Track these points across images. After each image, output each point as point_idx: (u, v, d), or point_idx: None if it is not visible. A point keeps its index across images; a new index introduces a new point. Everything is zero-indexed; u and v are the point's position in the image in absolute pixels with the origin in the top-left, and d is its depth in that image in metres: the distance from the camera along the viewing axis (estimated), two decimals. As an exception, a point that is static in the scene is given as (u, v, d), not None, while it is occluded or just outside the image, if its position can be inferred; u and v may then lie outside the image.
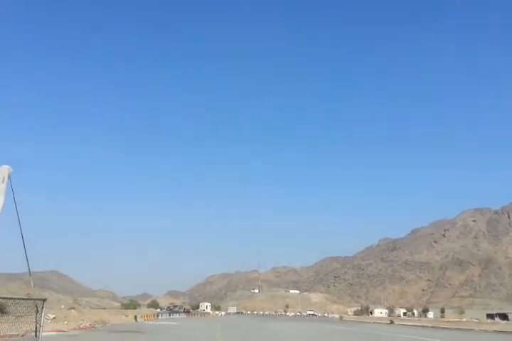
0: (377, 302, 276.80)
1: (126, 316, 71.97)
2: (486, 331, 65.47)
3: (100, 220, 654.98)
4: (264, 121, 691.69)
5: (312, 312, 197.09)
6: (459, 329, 73.81)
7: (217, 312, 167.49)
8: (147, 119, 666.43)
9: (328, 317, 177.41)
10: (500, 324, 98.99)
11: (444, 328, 76.55)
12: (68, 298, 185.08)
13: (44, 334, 15.94)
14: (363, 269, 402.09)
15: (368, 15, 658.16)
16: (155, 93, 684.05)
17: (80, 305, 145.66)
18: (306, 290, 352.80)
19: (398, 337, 45.23)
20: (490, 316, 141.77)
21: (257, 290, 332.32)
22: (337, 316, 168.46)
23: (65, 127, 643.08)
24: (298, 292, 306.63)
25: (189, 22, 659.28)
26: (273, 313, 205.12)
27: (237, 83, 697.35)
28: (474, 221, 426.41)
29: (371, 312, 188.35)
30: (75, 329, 41.34)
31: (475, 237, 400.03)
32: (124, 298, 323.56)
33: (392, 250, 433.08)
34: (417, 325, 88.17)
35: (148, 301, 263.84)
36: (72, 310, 75.52)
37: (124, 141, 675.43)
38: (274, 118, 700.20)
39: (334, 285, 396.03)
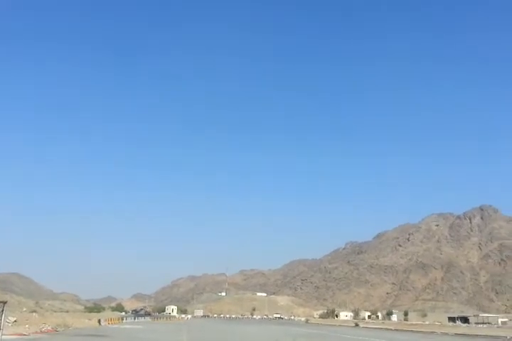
0: (343, 305, 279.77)
1: (90, 320, 70.82)
2: (447, 334, 67.12)
3: (64, 222, 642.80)
4: (228, 131, 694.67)
5: (279, 315, 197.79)
6: (421, 332, 75.38)
7: (183, 316, 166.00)
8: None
9: (294, 320, 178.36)
10: (461, 327, 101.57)
11: (406, 331, 78.04)
12: (30, 301, 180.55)
13: (4, 337, 15.65)
14: (330, 272, 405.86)
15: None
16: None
17: (42, 308, 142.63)
18: (274, 293, 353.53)
19: (361, 340, 45.95)
20: (451, 319, 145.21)
21: (224, 293, 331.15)
22: (303, 319, 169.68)
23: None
24: (265, 295, 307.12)
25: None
26: (240, 316, 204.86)
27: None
28: (437, 225, 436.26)
29: (337, 315, 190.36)
30: (36, 332, 40.52)
31: (438, 241, 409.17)
32: (87, 301, 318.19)
33: (358, 253, 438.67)
34: (381, 328, 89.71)
35: (113, 304, 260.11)
36: (34, 314, 73.96)
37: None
38: (241, 128, 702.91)
39: (301, 288, 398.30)
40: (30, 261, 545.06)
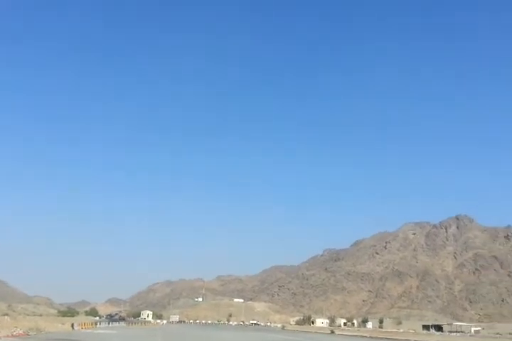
0: (320, 312, 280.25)
1: (63, 324, 69.70)
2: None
3: (38, 223, 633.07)
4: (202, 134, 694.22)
5: (255, 322, 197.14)
6: (395, 339, 76.01)
7: (158, 321, 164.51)
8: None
9: (270, 326, 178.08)
10: (434, 335, 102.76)
11: (381, 338, 78.63)
12: (2, 304, 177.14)
13: (-26, 341, 15.46)
14: (307, 279, 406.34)
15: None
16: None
17: (14, 311, 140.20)
18: (251, 299, 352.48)
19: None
20: (425, 327, 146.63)
21: (200, 299, 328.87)
22: (279, 325, 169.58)
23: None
24: (242, 301, 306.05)
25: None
26: (216, 322, 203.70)
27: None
28: (414, 234, 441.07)
29: (313, 322, 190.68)
30: (7, 336, 39.82)
31: (414, 250, 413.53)
32: (61, 304, 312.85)
33: (335, 260, 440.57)
34: (356, 335, 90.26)
35: (87, 309, 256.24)
36: (6, 317, 72.65)
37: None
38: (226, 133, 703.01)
39: (278, 295, 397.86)
40: (4, 264, 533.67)
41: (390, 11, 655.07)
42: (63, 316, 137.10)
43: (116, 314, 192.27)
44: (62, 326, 65.63)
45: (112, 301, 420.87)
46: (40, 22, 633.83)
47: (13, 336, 41.28)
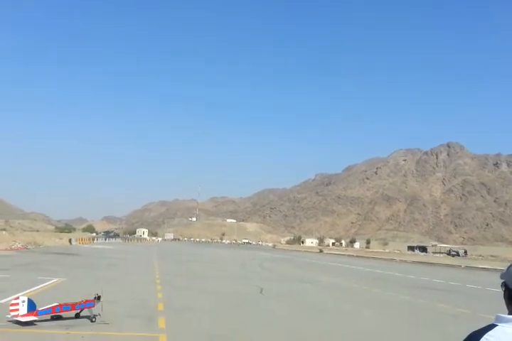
0: (310, 233, 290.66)
1: (61, 239, 71.39)
2: (405, 261, 70.67)
3: (34, 143, 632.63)
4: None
5: (247, 241, 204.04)
6: (381, 258, 79.19)
7: (153, 238, 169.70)
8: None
9: (262, 245, 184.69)
10: (419, 255, 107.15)
11: (367, 257, 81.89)
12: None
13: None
14: (298, 202, 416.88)
15: None
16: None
17: (11, 227, 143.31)
18: (243, 220, 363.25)
19: (324, 264, 47.95)
20: (410, 248, 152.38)
21: (194, 219, 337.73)
22: (270, 245, 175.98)
23: None
24: (235, 221, 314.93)
25: None
26: (209, 241, 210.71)
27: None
28: (405, 160, 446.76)
29: (303, 242, 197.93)
30: (6, 250, 40.65)
31: (404, 175, 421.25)
32: (58, 221, 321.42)
33: (327, 185, 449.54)
34: (344, 254, 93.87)
35: (84, 225, 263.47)
36: (4, 232, 74.17)
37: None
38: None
39: (270, 216, 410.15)
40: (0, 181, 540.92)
41: None
42: (60, 232, 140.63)
43: (113, 231, 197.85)
44: (60, 241, 67.25)
45: (108, 219, 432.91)
46: None
47: (12, 249, 42.22)
